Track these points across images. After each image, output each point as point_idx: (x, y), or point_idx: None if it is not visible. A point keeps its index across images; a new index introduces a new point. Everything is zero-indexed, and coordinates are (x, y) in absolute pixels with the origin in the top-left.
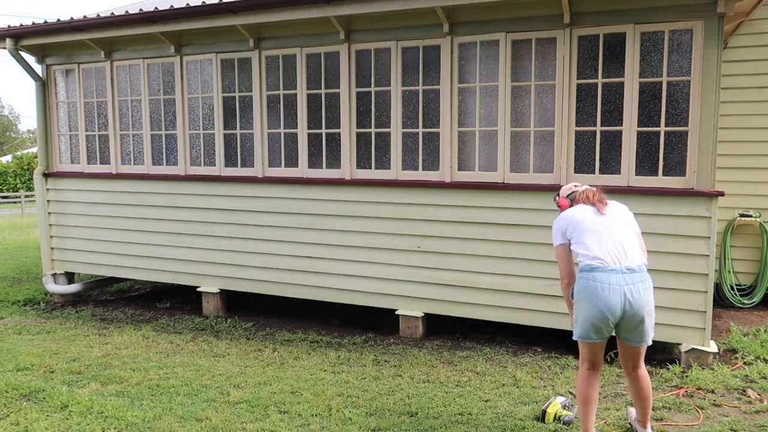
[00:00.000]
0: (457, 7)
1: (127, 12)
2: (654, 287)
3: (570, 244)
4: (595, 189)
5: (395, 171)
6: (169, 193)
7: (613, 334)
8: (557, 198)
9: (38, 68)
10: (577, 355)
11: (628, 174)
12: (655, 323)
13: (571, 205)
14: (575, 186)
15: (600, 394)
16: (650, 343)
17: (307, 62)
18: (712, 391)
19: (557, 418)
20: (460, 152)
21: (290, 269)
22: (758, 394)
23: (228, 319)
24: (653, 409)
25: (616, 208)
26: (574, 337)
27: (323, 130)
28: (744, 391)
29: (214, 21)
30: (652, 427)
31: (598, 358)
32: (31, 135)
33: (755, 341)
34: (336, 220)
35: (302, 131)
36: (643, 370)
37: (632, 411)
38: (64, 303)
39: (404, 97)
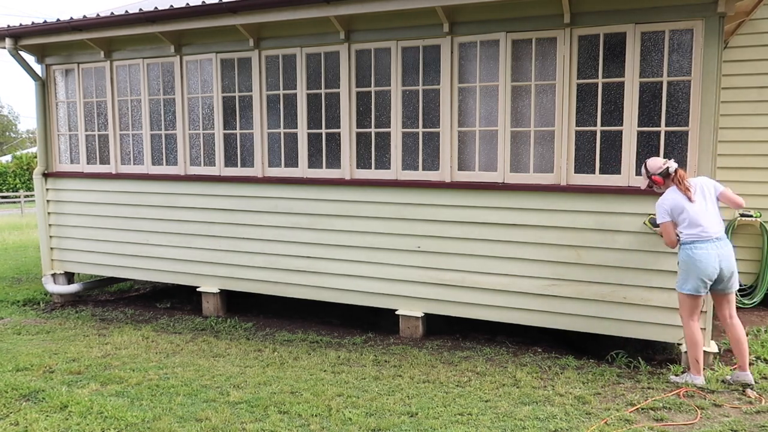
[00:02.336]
0: (457, 7)
1: (126, 12)
2: (654, 287)
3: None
4: (682, 171)
5: (395, 171)
6: (169, 193)
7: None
8: (650, 175)
9: (38, 68)
10: (576, 355)
11: (628, 174)
12: (656, 323)
13: (664, 182)
14: (664, 163)
15: (599, 394)
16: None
17: (307, 62)
18: (713, 391)
19: None
20: (460, 152)
21: (290, 269)
22: (758, 394)
23: (228, 319)
24: (653, 409)
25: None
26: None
27: (323, 130)
28: (744, 390)
29: (213, 21)
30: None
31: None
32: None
33: (756, 341)
34: (336, 220)
35: (302, 131)
36: (736, 318)
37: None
38: (63, 303)
39: (404, 97)
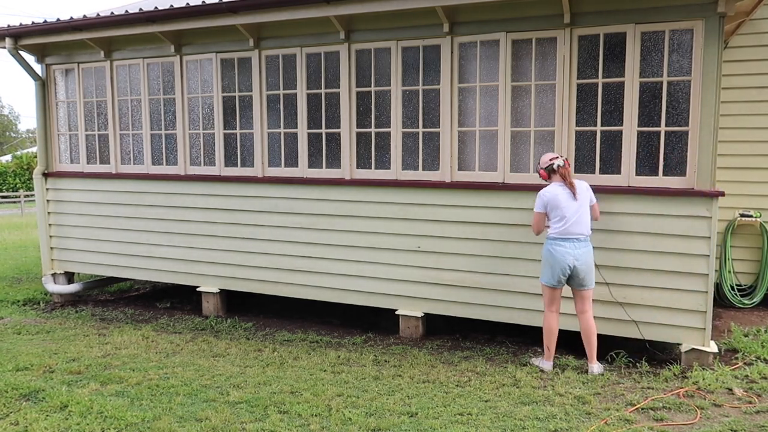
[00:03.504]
0: (457, 7)
1: (126, 12)
2: (654, 287)
3: (547, 214)
4: (568, 166)
5: (395, 171)
6: (169, 192)
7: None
8: (538, 169)
9: (38, 68)
10: (577, 355)
11: (628, 174)
12: (656, 323)
13: (549, 177)
14: (551, 159)
15: (599, 394)
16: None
17: (307, 62)
18: (713, 392)
19: None
20: (460, 152)
21: (290, 269)
22: (745, 391)
23: (228, 319)
24: (653, 409)
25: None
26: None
27: (323, 130)
28: (731, 389)
29: (213, 20)
30: None
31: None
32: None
33: (756, 341)
34: (336, 220)
35: (302, 131)
36: (588, 313)
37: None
38: (63, 303)
39: (404, 97)
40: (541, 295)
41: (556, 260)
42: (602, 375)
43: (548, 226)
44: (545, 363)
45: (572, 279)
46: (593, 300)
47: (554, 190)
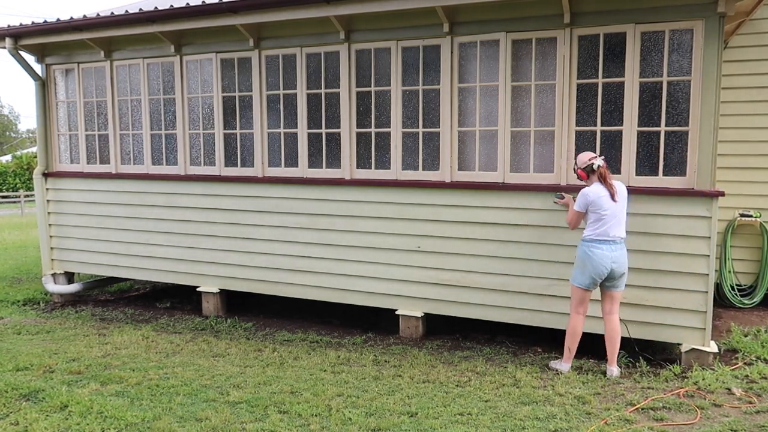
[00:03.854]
0: (457, 7)
1: (126, 12)
2: (654, 287)
3: (587, 213)
4: (606, 166)
5: (395, 171)
6: (169, 192)
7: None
8: (576, 169)
9: (38, 68)
10: (576, 355)
11: (628, 174)
12: (656, 323)
13: (588, 177)
14: (590, 159)
15: (599, 394)
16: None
17: (307, 62)
18: (713, 392)
19: None
20: (460, 152)
21: (290, 269)
22: (744, 391)
23: (228, 319)
24: (653, 409)
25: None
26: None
27: (323, 130)
28: (730, 389)
29: (213, 20)
30: None
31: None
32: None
33: (756, 341)
34: (336, 220)
35: (302, 131)
36: (616, 315)
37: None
38: (63, 303)
39: (404, 97)
40: (543, 295)
41: (594, 263)
42: (616, 378)
43: (585, 227)
44: (564, 365)
45: (606, 280)
46: (590, 299)
47: (598, 190)
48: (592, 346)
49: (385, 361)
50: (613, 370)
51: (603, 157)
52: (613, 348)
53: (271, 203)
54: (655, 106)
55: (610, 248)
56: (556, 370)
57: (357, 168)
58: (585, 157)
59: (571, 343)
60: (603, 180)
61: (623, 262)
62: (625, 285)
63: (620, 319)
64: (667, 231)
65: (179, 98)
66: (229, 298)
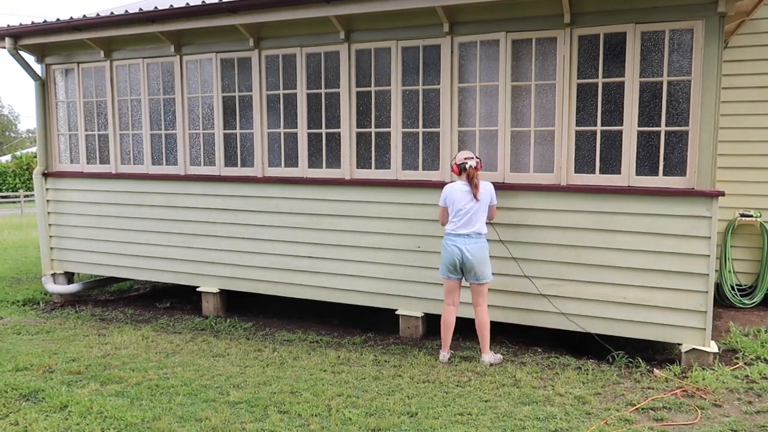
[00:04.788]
0: (457, 7)
1: (126, 11)
2: (654, 287)
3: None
4: (477, 169)
5: (395, 171)
6: (169, 192)
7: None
8: (452, 163)
9: (38, 68)
10: (576, 355)
11: (628, 174)
12: (656, 323)
13: (459, 174)
14: (465, 158)
15: (599, 394)
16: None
17: (307, 62)
18: (713, 392)
19: None
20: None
21: (290, 269)
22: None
23: (228, 319)
24: (653, 409)
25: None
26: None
27: (323, 130)
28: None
29: (213, 20)
30: None
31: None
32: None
33: (756, 341)
34: (336, 220)
35: (302, 131)
36: (482, 306)
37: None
38: (63, 303)
39: (404, 97)
40: (541, 295)
41: (444, 254)
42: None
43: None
44: (441, 353)
45: (464, 273)
46: (590, 299)
47: (454, 187)
48: (593, 347)
49: (385, 361)
50: (485, 357)
51: (479, 159)
52: (482, 337)
53: (271, 203)
54: (656, 106)
55: (463, 241)
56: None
57: (357, 168)
58: (462, 155)
59: (443, 333)
60: (469, 179)
61: (477, 255)
62: (626, 285)
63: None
64: (667, 231)
65: (179, 98)
66: (229, 298)
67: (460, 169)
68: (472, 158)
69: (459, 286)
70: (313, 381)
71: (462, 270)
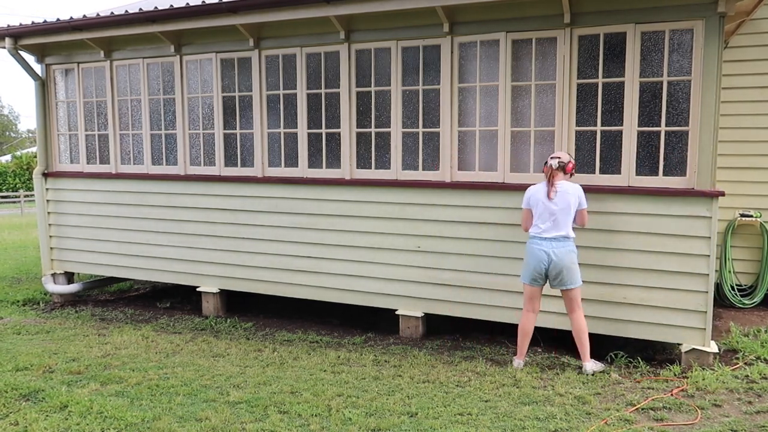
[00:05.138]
0: (457, 7)
1: (126, 11)
2: (654, 287)
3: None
4: (562, 168)
5: (395, 171)
6: (169, 192)
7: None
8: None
9: (38, 68)
10: (576, 355)
11: (628, 174)
12: (656, 323)
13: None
14: (552, 156)
15: (599, 394)
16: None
17: (307, 62)
18: (713, 392)
19: None
20: (460, 152)
21: (290, 269)
22: (621, 376)
23: (228, 319)
24: (653, 409)
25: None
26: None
27: (323, 130)
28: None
29: (213, 20)
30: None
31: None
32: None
33: (756, 341)
34: (336, 220)
35: (302, 131)
36: (576, 313)
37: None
38: (63, 303)
39: (404, 97)
40: (543, 295)
41: (529, 259)
42: (601, 373)
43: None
44: (515, 360)
45: (550, 279)
46: (590, 299)
47: (537, 188)
48: (592, 346)
49: (385, 361)
50: (587, 365)
51: (570, 161)
52: (581, 345)
53: (271, 203)
54: (655, 106)
55: (548, 245)
56: (515, 367)
57: (357, 168)
58: (554, 154)
59: (520, 340)
60: (548, 179)
61: (561, 261)
62: (626, 285)
63: (583, 318)
64: (667, 231)
65: (179, 98)
66: (229, 298)
67: (552, 170)
68: (557, 157)
69: (541, 292)
70: (313, 381)
71: (547, 275)
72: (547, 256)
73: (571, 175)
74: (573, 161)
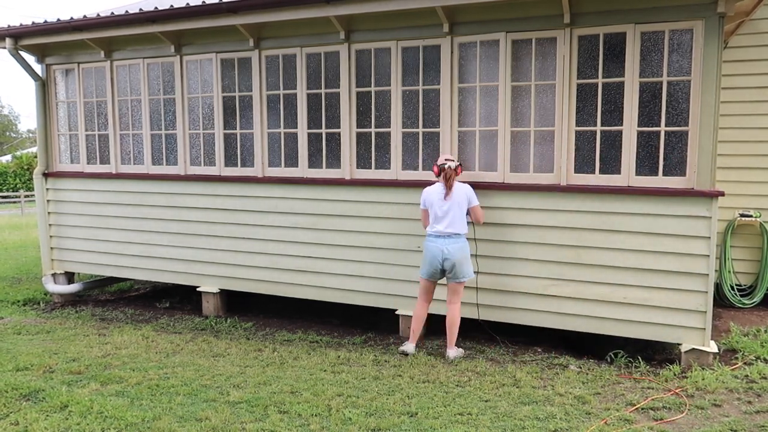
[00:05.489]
0: (457, 7)
1: (127, 12)
2: (654, 287)
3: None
4: (456, 171)
5: (395, 171)
6: (169, 192)
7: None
8: (434, 163)
9: (38, 68)
10: (576, 355)
11: (628, 174)
12: (656, 323)
13: (439, 175)
14: (446, 159)
15: (599, 394)
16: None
17: (307, 62)
18: (713, 392)
19: None
20: (460, 152)
21: (290, 269)
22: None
23: (228, 319)
24: (653, 409)
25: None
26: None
27: (323, 130)
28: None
29: (214, 21)
30: None
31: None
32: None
33: (755, 341)
34: (336, 220)
35: (302, 131)
36: (455, 305)
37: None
38: (63, 303)
39: (404, 97)
40: (542, 295)
41: (426, 254)
42: (460, 359)
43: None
44: (406, 345)
45: (443, 273)
46: (590, 299)
47: (432, 189)
48: (593, 346)
49: (385, 361)
50: (450, 351)
51: (460, 164)
52: (450, 333)
53: (271, 203)
54: (655, 106)
55: (443, 242)
56: (401, 350)
57: (357, 168)
58: (443, 157)
59: (413, 326)
60: (444, 181)
61: (455, 256)
62: (626, 285)
63: (459, 310)
64: (667, 231)
65: (179, 98)
66: (229, 298)
67: (440, 170)
68: (453, 160)
69: (435, 286)
70: (313, 381)
71: (443, 270)
72: (441, 252)
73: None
74: (459, 164)
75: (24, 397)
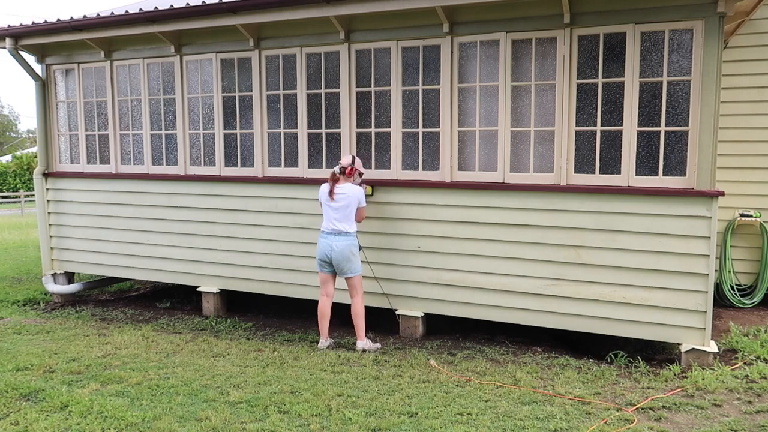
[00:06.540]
0: (457, 7)
1: (127, 12)
2: (654, 287)
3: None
4: (345, 173)
5: (395, 171)
6: (169, 192)
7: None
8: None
9: (38, 68)
10: (576, 355)
11: (628, 174)
12: (656, 323)
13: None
14: (339, 161)
15: (599, 394)
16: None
17: (307, 62)
18: (713, 392)
19: None
20: (460, 152)
21: (290, 269)
22: (438, 365)
23: (228, 319)
24: (653, 409)
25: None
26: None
27: (323, 130)
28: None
29: (214, 21)
30: None
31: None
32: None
33: (755, 341)
34: None
35: (302, 131)
36: (356, 298)
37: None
38: (63, 303)
39: (404, 97)
40: (542, 295)
41: (317, 249)
42: (366, 351)
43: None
44: (322, 342)
45: (334, 267)
46: (590, 299)
47: (324, 188)
48: (592, 346)
49: (385, 361)
50: (361, 343)
51: (351, 166)
52: (356, 325)
53: (271, 203)
54: (655, 106)
55: (330, 238)
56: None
57: None
58: (346, 160)
59: (319, 322)
60: (332, 182)
61: (340, 253)
62: (626, 285)
63: (361, 303)
64: (667, 231)
65: (179, 98)
66: (229, 298)
67: (340, 173)
68: (350, 162)
69: (332, 278)
70: (313, 381)
71: (330, 264)
72: (329, 248)
73: (361, 175)
74: (352, 166)
75: (24, 397)
